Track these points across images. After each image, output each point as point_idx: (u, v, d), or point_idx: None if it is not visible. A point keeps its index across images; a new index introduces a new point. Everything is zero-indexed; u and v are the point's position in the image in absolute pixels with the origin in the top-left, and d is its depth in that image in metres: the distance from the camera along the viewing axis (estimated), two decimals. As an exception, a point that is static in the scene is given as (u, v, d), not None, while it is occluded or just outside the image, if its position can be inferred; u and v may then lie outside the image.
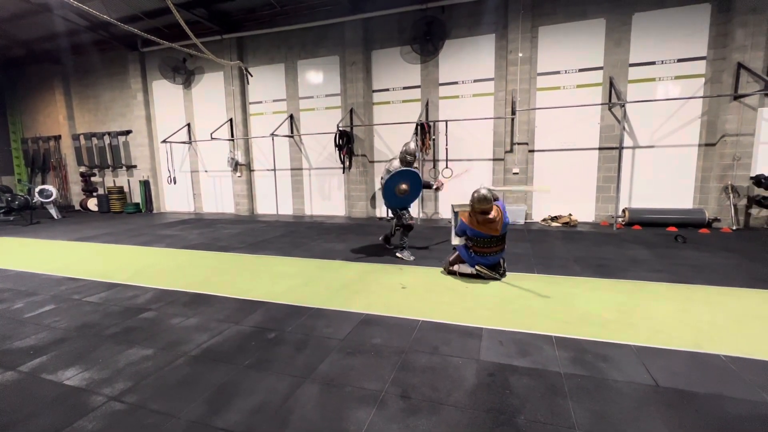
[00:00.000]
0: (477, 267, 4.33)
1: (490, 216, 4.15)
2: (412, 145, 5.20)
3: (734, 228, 7.09)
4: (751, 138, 7.08)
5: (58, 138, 13.56)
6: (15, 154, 14.47)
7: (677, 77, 7.49)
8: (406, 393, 2.26)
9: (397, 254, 5.43)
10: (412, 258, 5.31)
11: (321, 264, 5.28)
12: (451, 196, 9.20)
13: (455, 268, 4.51)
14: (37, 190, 10.87)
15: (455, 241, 4.53)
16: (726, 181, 7.22)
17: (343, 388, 2.32)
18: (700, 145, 7.52)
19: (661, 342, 2.80)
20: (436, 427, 1.97)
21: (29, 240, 7.82)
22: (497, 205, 4.28)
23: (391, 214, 5.66)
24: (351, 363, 2.62)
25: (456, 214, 4.51)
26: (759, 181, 6.93)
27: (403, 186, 4.99)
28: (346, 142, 9.43)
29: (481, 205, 4.15)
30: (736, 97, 7.00)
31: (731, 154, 7.14)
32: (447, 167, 8.83)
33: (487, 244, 4.22)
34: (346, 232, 7.79)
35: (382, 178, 5.17)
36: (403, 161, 5.17)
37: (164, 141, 11.29)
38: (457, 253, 4.54)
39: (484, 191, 4.16)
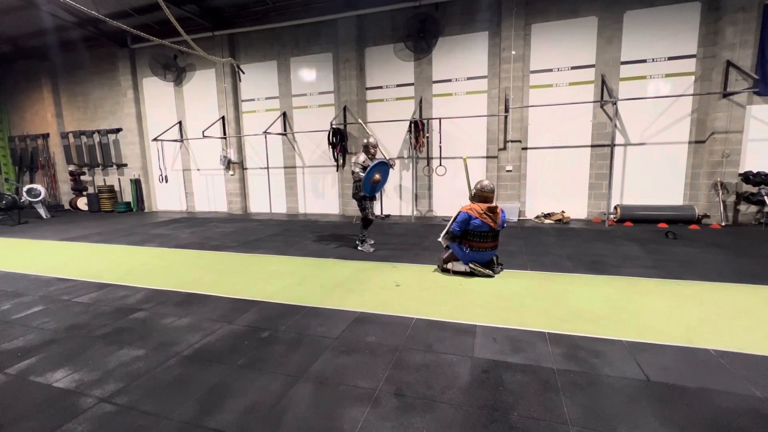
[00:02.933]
0: (471, 264, 4.36)
1: (493, 205, 4.34)
2: (372, 140, 5.74)
3: (723, 224, 7.19)
4: (740, 135, 7.18)
5: (46, 136, 13.33)
6: (2, 153, 14.19)
7: (668, 75, 7.56)
8: (400, 391, 2.26)
9: (359, 248, 5.84)
10: (372, 250, 5.73)
11: (314, 262, 5.27)
12: (446, 193, 9.26)
13: (449, 266, 4.52)
14: (25, 189, 10.69)
15: (442, 239, 4.58)
16: (715, 178, 7.32)
17: (337, 387, 2.32)
18: (690, 143, 7.61)
19: (653, 337, 2.83)
20: (431, 425, 1.97)
21: (17, 240, 7.68)
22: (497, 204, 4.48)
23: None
24: (345, 362, 2.61)
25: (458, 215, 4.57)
26: (747, 177, 7.04)
27: (377, 176, 5.47)
28: (339, 140, 9.39)
29: (484, 192, 4.38)
30: (726, 95, 7.09)
31: (720, 151, 7.24)
32: (441, 165, 8.85)
33: (483, 239, 4.28)
34: (339, 230, 7.77)
35: (353, 171, 5.54)
36: (367, 154, 5.61)
37: (155, 139, 11.17)
38: (450, 251, 4.55)
39: (486, 182, 4.44)
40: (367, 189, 5.49)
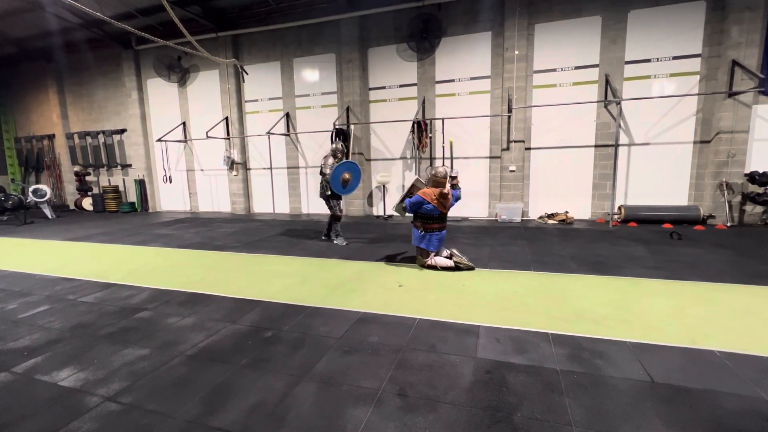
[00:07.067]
0: (455, 259, 4.60)
1: (445, 191, 4.64)
2: (340, 145, 6.33)
3: (729, 224, 7.14)
4: (746, 135, 7.12)
5: (51, 137, 13.44)
6: (8, 154, 14.33)
7: (672, 75, 7.52)
8: (403, 391, 2.26)
9: (334, 241, 6.41)
10: (344, 243, 6.27)
11: (317, 263, 5.27)
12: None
13: (431, 261, 4.69)
14: (30, 189, 10.77)
15: (394, 209, 5.10)
16: (721, 178, 7.26)
17: (340, 387, 2.32)
18: (695, 143, 7.56)
19: (657, 338, 2.81)
20: (434, 425, 1.97)
21: (23, 240, 7.75)
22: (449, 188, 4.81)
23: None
24: (348, 361, 2.62)
25: (412, 186, 5.03)
26: (753, 177, 6.98)
27: (346, 175, 5.99)
28: (342, 141, 9.39)
29: (437, 178, 4.67)
30: (731, 95, 7.04)
31: (726, 151, 7.19)
32: (444, 165, 8.83)
33: (434, 221, 4.71)
34: (342, 230, 7.74)
35: (322, 173, 6.12)
36: (335, 158, 6.14)
37: (159, 140, 11.23)
38: (420, 248, 4.78)
39: (442, 168, 4.75)
40: (337, 188, 5.97)
